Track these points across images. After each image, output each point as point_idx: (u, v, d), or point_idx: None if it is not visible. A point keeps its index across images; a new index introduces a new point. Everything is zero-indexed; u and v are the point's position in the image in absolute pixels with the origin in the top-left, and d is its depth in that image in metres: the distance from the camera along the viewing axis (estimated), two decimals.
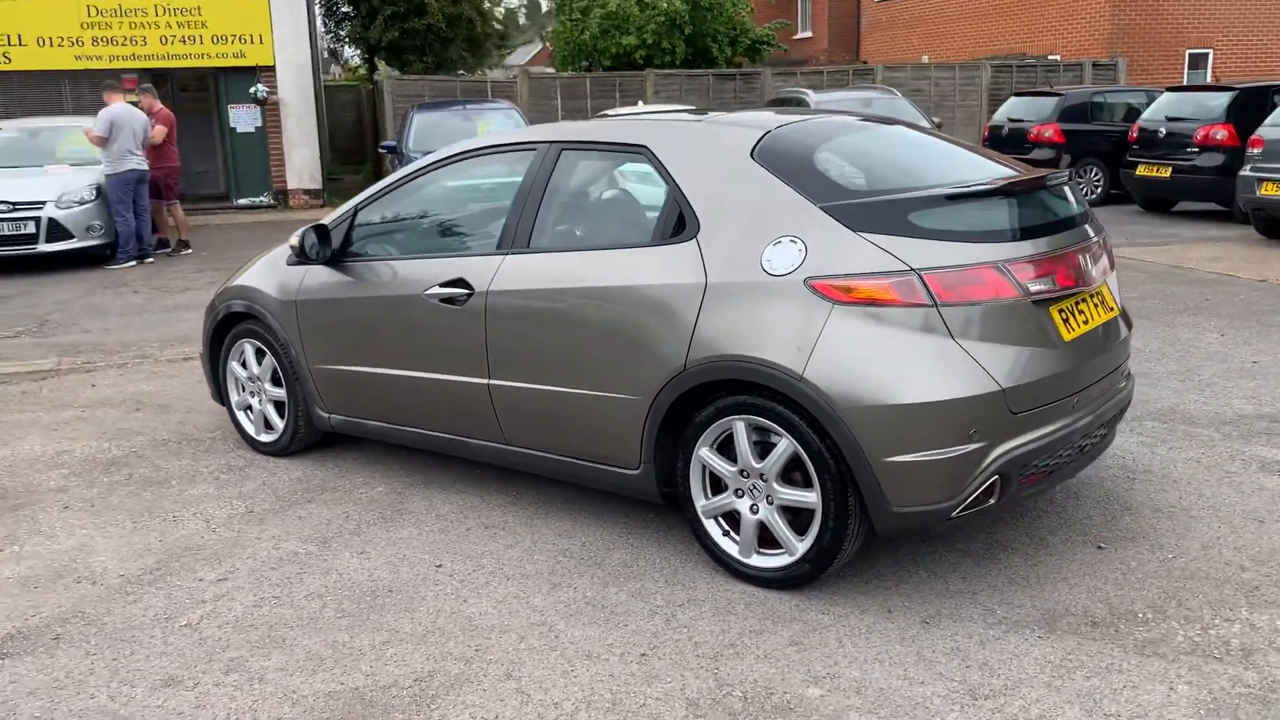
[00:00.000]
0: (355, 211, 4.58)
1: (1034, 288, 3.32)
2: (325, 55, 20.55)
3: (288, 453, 5.02)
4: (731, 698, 2.89)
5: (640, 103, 16.44)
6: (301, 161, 16.75)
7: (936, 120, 14.69)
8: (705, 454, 3.54)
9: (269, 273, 4.89)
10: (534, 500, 4.35)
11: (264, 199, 16.68)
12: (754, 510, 3.49)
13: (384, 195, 4.56)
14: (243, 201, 16.67)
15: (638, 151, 3.81)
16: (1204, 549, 3.71)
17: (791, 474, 3.39)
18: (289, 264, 4.75)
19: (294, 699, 2.96)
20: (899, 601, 3.40)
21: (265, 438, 5.08)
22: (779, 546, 3.46)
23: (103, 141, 11.01)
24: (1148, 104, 13.61)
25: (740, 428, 3.43)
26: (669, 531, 3.97)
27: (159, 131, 11.71)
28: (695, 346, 3.45)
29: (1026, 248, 3.36)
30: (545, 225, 3.99)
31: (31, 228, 10.91)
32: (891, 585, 3.51)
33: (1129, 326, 3.94)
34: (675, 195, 3.64)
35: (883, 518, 3.24)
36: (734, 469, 3.49)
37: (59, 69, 15.55)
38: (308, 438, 4.96)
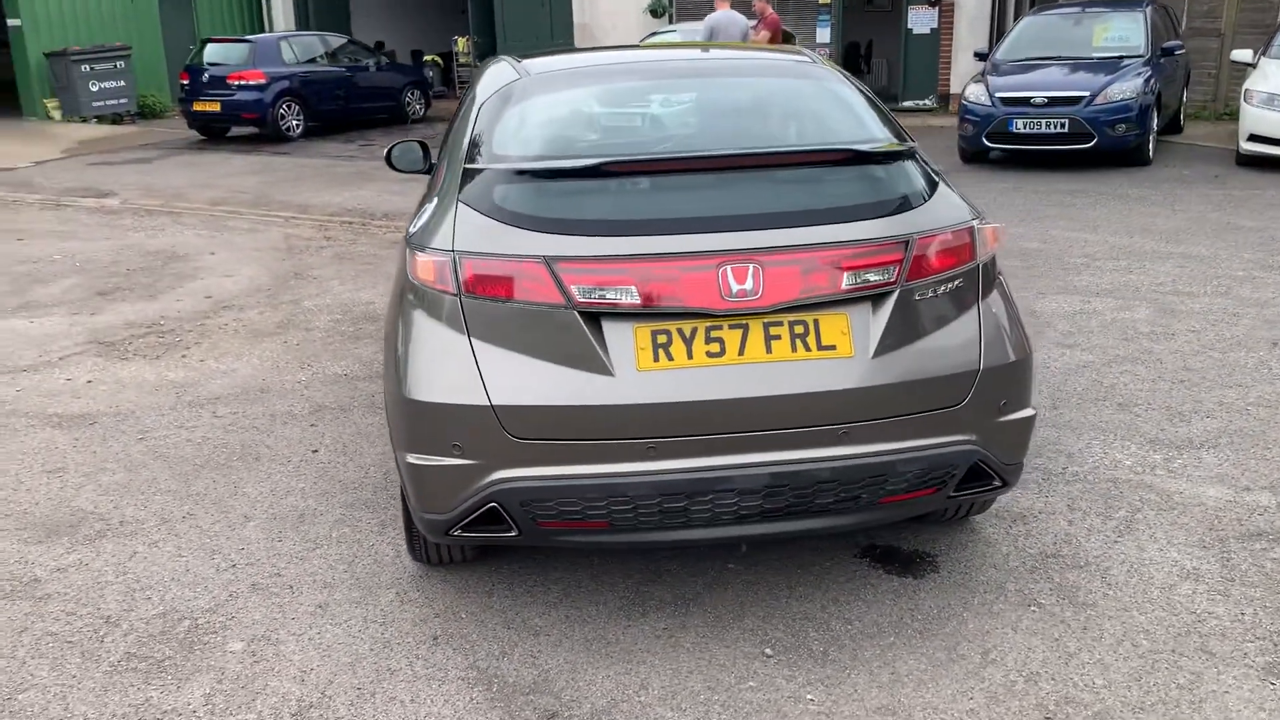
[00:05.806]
0: None
1: (590, 296, 2.59)
2: None
3: None
4: (129, 705, 2.74)
5: None
6: (966, 65, 16.19)
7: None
8: None
9: None
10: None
11: (928, 101, 16.51)
12: None
13: None
14: (907, 104, 16.69)
15: None
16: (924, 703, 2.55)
17: None
18: None
19: None
20: (451, 630, 3.04)
21: None
22: None
23: None
24: None
25: None
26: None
27: (762, 36, 12.56)
28: None
29: (594, 245, 2.62)
30: None
31: None
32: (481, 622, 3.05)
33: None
34: None
35: (416, 517, 2.93)
36: None
37: None
38: None
